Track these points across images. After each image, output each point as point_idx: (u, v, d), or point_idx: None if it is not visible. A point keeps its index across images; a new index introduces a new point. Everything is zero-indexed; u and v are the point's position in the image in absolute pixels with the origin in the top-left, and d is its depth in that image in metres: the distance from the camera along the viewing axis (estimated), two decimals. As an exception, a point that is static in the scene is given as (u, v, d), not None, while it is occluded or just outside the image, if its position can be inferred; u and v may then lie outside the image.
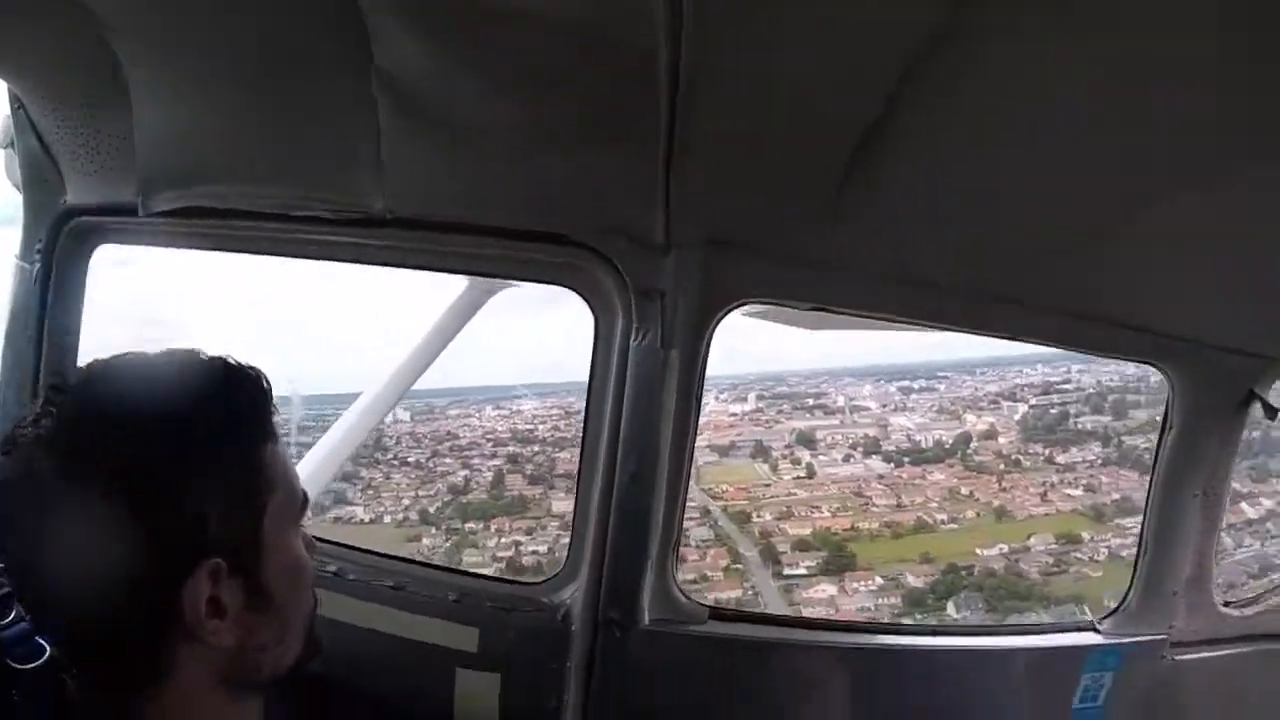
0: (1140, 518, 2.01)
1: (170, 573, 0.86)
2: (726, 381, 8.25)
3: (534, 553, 6.50)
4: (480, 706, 1.76)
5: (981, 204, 1.48)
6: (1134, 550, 2.04)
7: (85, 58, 1.49)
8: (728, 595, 6.21)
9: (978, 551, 6.47)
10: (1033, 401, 7.29)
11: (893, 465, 7.15)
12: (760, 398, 8.02)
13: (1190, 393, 1.88)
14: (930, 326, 1.87)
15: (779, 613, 4.92)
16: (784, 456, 7.33)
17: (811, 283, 1.72)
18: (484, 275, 2.71)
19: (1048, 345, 1.94)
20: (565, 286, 1.74)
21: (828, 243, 1.61)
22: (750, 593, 6.35)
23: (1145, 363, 1.92)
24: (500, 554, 6.60)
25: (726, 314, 1.69)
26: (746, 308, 1.77)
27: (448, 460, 7.66)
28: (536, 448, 7.29)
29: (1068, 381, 7.35)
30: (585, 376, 1.77)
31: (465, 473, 7.43)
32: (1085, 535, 6.38)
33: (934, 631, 2.03)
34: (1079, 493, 6.64)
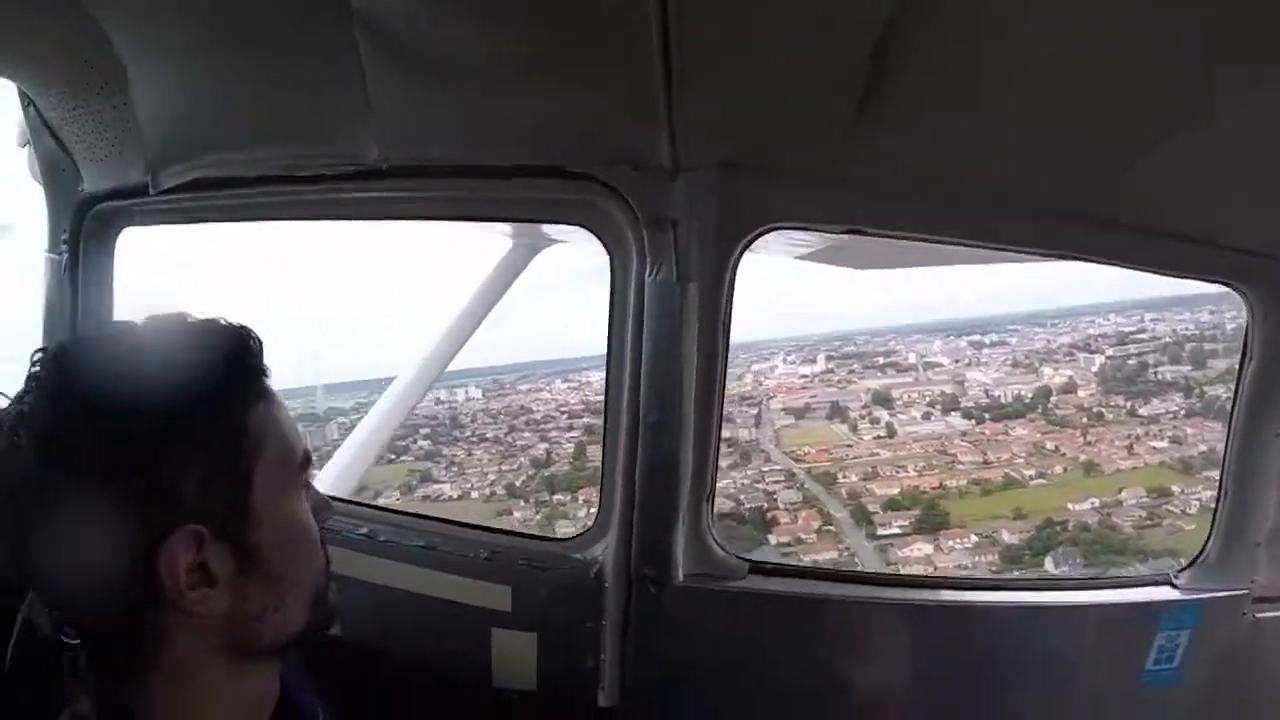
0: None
1: (142, 541, 0.85)
2: (791, 343, 8.31)
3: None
4: (519, 665, 1.73)
5: (1018, 107, 1.34)
6: (1222, 501, 1.83)
7: (81, 42, 1.48)
8: (824, 557, 6.40)
9: (1069, 506, 6.55)
10: (1109, 352, 7.29)
11: (973, 422, 7.21)
12: (830, 358, 8.07)
13: (1271, 318, 1.67)
14: (979, 245, 1.71)
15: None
16: (862, 416, 7.39)
17: (837, 203, 1.58)
18: (490, 219, 2.61)
19: (1108, 263, 1.71)
20: (575, 224, 1.68)
21: (851, 159, 1.48)
22: (846, 553, 6.51)
23: (1220, 283, 1.70)
24: (590, 524, 6.79)
25: (750, 243, 1.58)
26: (789, 251, 1.66)
27: (525, 434, 7.73)
28: (612, 418, 7.40)
29: (1142, 331, 7.30)
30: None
31: (545, 446, 7.52)
32: (1175, 488, 6.42)
33: (995, 586, 1.90)
34: (1165, 445, 6.69)
